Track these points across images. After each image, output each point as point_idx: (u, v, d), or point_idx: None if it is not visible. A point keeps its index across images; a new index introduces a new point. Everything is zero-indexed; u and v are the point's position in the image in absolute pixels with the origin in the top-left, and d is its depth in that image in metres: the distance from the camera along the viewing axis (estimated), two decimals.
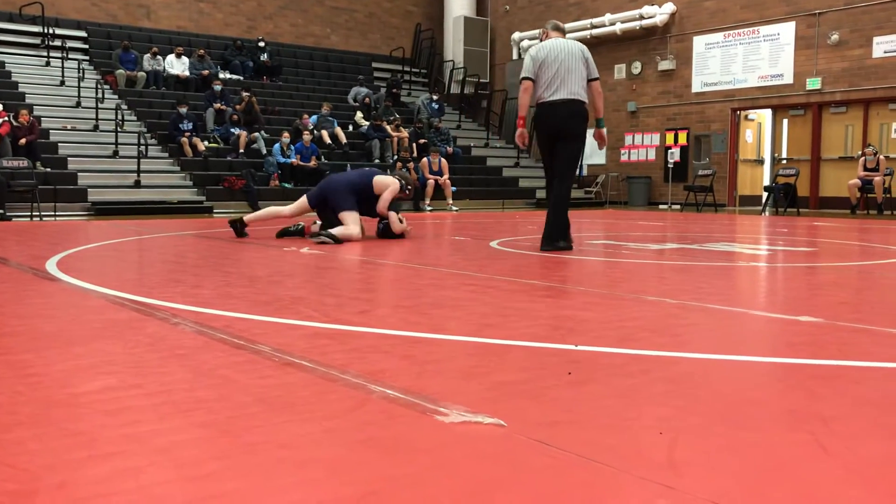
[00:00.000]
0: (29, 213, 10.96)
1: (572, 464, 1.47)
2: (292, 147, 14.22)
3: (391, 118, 16.79)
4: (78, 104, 14.74)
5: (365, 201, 6.98)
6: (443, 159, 15.25)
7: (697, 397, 1.92)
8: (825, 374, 2.17)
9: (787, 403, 1.88)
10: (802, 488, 1.36)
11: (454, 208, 14.79)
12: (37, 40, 16.55)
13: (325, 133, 15.50)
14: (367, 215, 7.10)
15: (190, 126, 14.13)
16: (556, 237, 6.03)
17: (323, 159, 14.68)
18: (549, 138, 6.08)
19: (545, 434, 1.64)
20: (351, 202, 6.86)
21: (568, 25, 19.53)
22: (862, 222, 11.29)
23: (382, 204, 6.96)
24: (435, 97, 18.83)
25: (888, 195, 13.88)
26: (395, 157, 15.39)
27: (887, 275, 4.73)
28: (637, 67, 18.44)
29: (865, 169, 14.02)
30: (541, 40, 6.40)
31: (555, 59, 5.99)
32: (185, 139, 13.87)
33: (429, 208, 14.63)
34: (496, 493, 1.33)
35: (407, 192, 7.22)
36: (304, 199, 7.12)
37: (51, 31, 16.58)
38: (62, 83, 15.37)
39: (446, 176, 15.02)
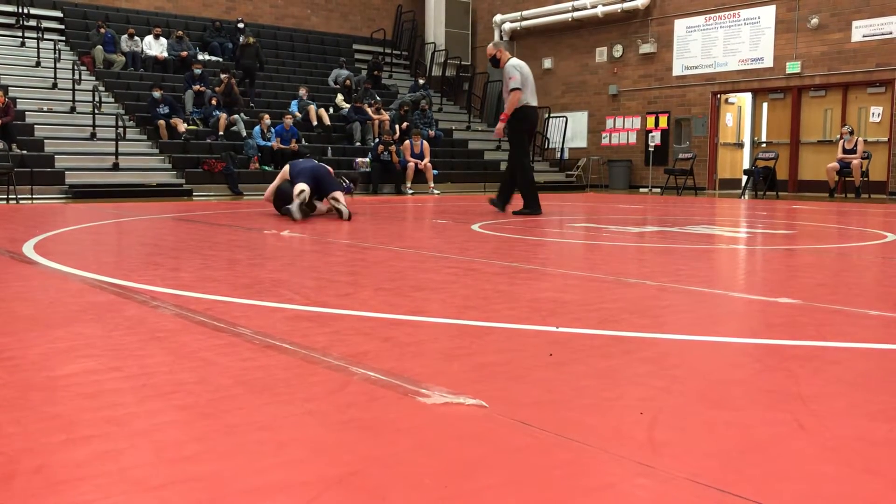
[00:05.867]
0: (5, 196, 10.82)
1: (553, 444, 1.48)
2: (272, 130, 14.12)
3: (372, 101, 16.69)
4: (54, 85, 14.53)
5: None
6: (424, 142, 15.19)
7: (677, 378, 1.94)
8: (803, 355, 2.19)
9: (766, 383, 1.90)
10: (780, 466, 1.37)
11: (435, 191, 14.77)
12: (11, 20, 16.27)
13: (311, 109, 15.38)
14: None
15: (167, 110, 13.97)
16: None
17: (304, 142, 14.58)
18: (530, 132, 8.72)
19: (526, 414, 1.64)
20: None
21: (550, 8, 19.50)
22: (840, 205, 11.40)
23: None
24: (421, 81, 18.72)
25: (865, 179, 14.01)
26: (377, 139, 15.31)
27: (864, 257, 4.78)
28: (618, 50, 18.43)
29: (844, 150, 14.12)
30: (496, 56, 8.45)
31: (528, 73, 8.30)
32: (161, 122, 13.72)
33: (410, 191, 14.60)
34: (478, 473, 1.34)
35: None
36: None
37: (26, 11, 16.30)
38: (38, 64, 15.13)
39: (427, 159, 14.98)
